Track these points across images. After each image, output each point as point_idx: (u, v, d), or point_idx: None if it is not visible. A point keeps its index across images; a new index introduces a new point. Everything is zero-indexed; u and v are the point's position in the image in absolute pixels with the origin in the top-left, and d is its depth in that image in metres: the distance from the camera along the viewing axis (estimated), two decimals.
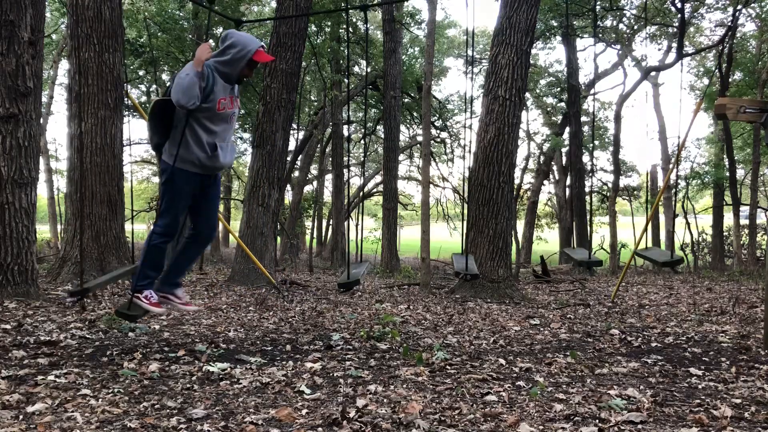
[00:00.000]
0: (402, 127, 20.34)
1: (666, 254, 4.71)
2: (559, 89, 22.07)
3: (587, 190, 17.61)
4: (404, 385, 3.21)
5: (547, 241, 27.63)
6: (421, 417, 2.64)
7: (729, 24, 15.56)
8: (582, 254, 4.93)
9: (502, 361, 3.88)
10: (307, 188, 25.52)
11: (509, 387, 3.24)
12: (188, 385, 3.14)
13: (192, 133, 3.75)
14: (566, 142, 20.91)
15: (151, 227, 3.95)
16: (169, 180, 3.77)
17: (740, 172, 20.43)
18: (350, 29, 17.29)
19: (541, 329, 5.38)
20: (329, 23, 16.77)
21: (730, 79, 16.72)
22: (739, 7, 14.58)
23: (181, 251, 4.10)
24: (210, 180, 3.92)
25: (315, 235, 22.26)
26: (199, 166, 3.78)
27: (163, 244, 3.90)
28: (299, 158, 21.62)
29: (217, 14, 9.39)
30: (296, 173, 21.89)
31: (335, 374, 3.45)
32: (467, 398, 3.00)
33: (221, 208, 22.65)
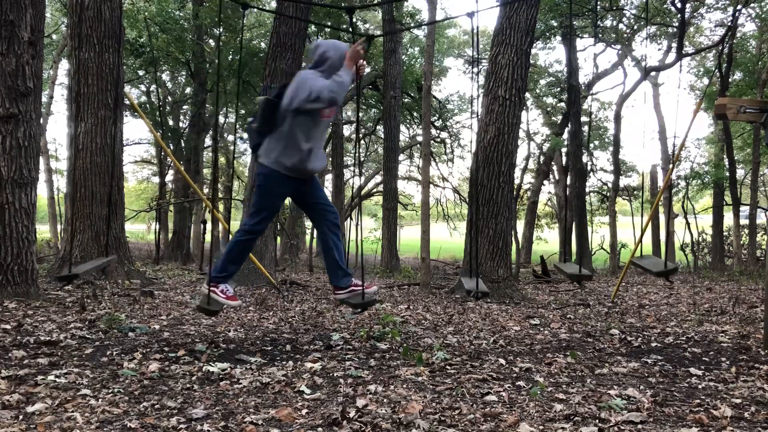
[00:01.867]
0: (402, 127, 20.33)
1: (660, 263, 4.68)
2: (559, 89, 22.05)
3: (587, 190, 17.61)
4: (404, 385, 3.21)
5: (547, 241, 27.61)
6: (421, 417, 2.64)
7: (729, 24, 15.55)
8: (572, 268, 4.92)
9: (502, 361, 3.88)
10: None
11: (509, 387, 3.24)
12: (188, 385, 3.14)
13: (292, 136, 3.84)
14: (566, 142, 20.90)
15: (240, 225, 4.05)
16: (264, 181, 3.89)
17: (740, 172, 20.43)
18: (350, 29, 17.30)
19: (541, 329, 5.38)
20: (329, 23, 16.76)
21: (730, 79, 16.71)
22: (739, 7, 14.58)
23: (325, 249, 4.16)
24: (307, 182, 4.03)
25: (315, 235, 22.23)
26: (293, 170, 3.89)
27: (249, 242, 4.01)
28: None
29: None
30: None
31: (335, 374, 3.45)
32: (467, 398, 3.00)
33: (221, 208, 22.66)
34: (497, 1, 8.55)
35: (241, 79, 15.09)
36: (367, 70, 19.08)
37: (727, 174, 16.69)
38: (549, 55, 77.83)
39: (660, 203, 17.84)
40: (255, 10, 18.94)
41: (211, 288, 3.94)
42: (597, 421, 2.63)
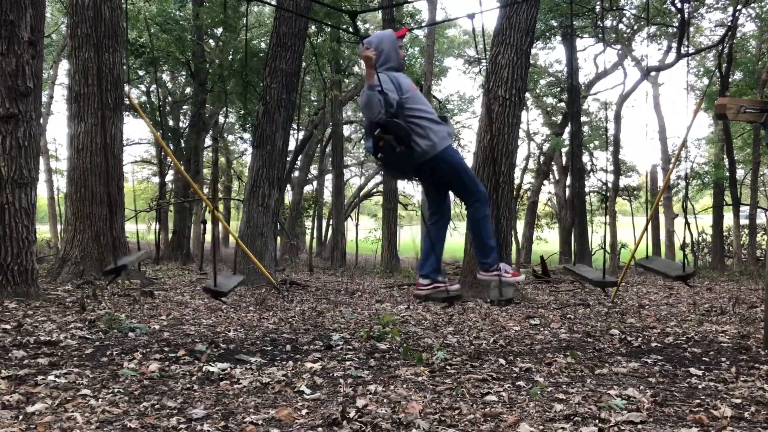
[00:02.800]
0: None
1: (676, 267, 4.50)
2: (559, 89, 22.06)
3: (587, 190, 17.61)
4: (404, 385, 3.21)
5: (547, 241, 27.61)
6: (421, 417, 2.64)
7: (729, 24, 15.55)
8: (593, 273, 4.69)
9: (502, 361, 3.88)
10: (307, 188, 25.53)
11: (509, 387, 3.24)
12: (188, 385, 3.14)
13: (423, 119, 3.86)
14: (566, 142, 20.91)
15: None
16: (450, 162, 3.90)
17: (740, 172, 20.43)
18: (350, 29, 17.29)
19: (541, 329, 5.38)
20: (329, 23, 16.76)
21: (730, 79, 16.71)
22: (739, 7, 14.58)
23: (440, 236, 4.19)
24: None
25: (315, 235, 22.26)
26: (449, 137, 3.93)
27: (488, 211, 4.09)
28: (299, 158, 21.62)
29: None
30: (296, 173, 21.90)
31: (335, 374, 3.45)
32: (467, 398, 3.00)
33: (221, 207, 22.65)
34: (498, 3, 8.54)
35: (241, 78, 15.10)
36: (356, 69, 19.06)
37: (727, 174, 16.69)
38: (549, 55, 77.80)
39: (660, 203, 17.83)
40: (255, 9, 18.95)
41: (495, 273, 3.97)
42: (597, 421, 2.63)
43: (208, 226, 20.69)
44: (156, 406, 2.77)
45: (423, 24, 17.56)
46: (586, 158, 20.74)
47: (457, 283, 4.17)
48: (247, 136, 21.76)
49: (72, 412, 2.63)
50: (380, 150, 3.87)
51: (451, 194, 4.22)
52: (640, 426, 2.58)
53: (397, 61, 4.00)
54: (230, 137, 26.46)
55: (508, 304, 4.26)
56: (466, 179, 3.97)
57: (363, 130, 4.07)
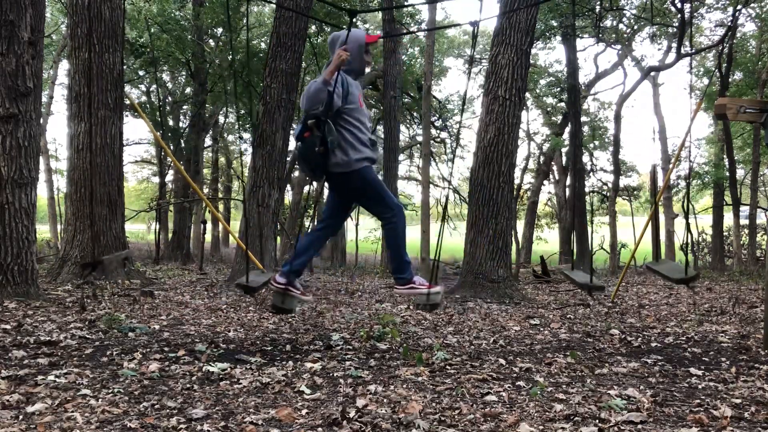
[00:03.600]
0: (402, 127, 20.36)
1: (680, 269, 4.52)
2: (559, 89, 22.06)
3: (587, 189, 17.63)
4: (404, 385, 3.21)
5: (547, 241, 27.61)
6: (421, 417, 2.64)
7: (729, 24, 15.55)
8: (583, 277, 4.77)
9: (502, 361, 3.88)
10: (307, 188, 25.51)
11: (509, 387, 3.24)
12: (188, 385, 3.14)
13: (352, 135, 3.87)
14: (566, 142, 20.91)
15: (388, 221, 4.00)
16: (362, 182, 3.91)
17: (740, 172, 20.43)
18: (350, 29, 17.27)
19: (541, 329, 5.38)
20: (330, 22, 16.75)
21: (730, 79, 16.71)
22: (739, 7, 14.58)
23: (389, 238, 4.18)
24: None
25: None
26: (367, 160, 3.92)
27: (404, 228, 4.06)
28: None
29: None
30: (296, 173, 21.88)
31: (335, 374, 3.45)
32: (467, 398, 3.00)
33: (221, 207, 22.64)
34: (498, 7, 8.54)
35: (242, 78, 15.10)
36: (367, 70, 19.09)
37: (727, 174, 16.69)
38: (549, 55, 77.78)
39: (660, 203, 17.83)
40: (255, 9, 18.95)
41: (411, 285, 4.01)
42: (597, 421, 2.63)
43: (209, 226, 20.69)
44: (156, 406, 2.77)
45: (423, 25, 17.56)
46: (586, 158, 20.72)
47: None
48: (247, 136, 21.76)
49: (72, 412, 2.63)
50: (303, 140, 3.89)
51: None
52: (640, 426, 2.58)
53: (358, 65, 3.97)
54: (230, 137, 26.46)
55: (435, 308, 4.34)
56: (383, 196, 3.98)
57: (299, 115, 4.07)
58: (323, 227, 4.19)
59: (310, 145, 3.84)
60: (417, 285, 3.99)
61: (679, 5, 14.48)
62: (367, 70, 4.33)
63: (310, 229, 4.30)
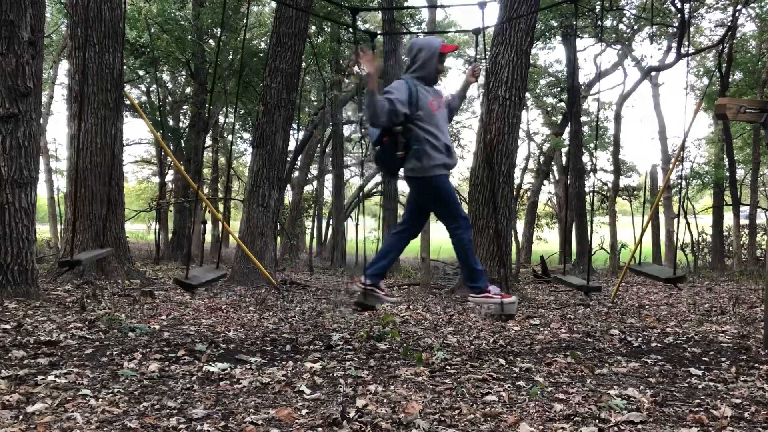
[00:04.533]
0: None
1: (668, 271, 4.56)
2: (559, 89, 22.05)
3: (587, 190, 17.62)
4: (404, 385, 3.21)
5: (547, 241, 27.60)
6: (421, 417, 2.64)
7: (729, 24, 15.55)
8: (578, 280, 4.82)
9: (502, 361, 3.88)
10: (307, 188, 25.52)
11: (509, 387, 3.24)
12: (188, 385, 3.14)
13: (428, 141, 3.89)
14: (566, 142, 20.90)
15: (458, 231, 4.01)
16: (437, 190, 3.95)
17: (740, 172, 20.42)
18: (351, 29, 17.29)
19: (541, 329, 5.38)
20: (329, 24, 16.75)
21: (730, 79, 16.71)
22: (739, 7, 14.57)
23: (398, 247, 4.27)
24: None
25: (315, 235, 22.26)
26: (443, 167, 3.94)
27: (471, 237, 4.09)
28: (299, 158, 21.61)
29: None
30: (296, 173, 21.89)
31: (335, 374, 3.45)
32: (467, 398, 3.00)
33: (221, 207, 22.65)
34: (499, 8, 8.54)
35: (242, 78, 15.09)
36: (356, 69, 19.06)
37: (727, 174, 16.68)
38: (549, 55, 77.77)
39: (660, 203, 17.84)
40: (255, 9, 18.94)
41: (485, 294, 4.02)
42: (597, 421, 2.63)
43: (208, 226, 20.69)
44: (156, 406, 2.77)
45: (423, 25, 17.56)
46: (586, 158, 20.70)
47: (394, 295, 4.27)
48: (247, 136, 21.76)
49: (72, 412, 2.63)
50: (382, 144, 3.92)
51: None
52: (640, 426, 2.58)
53: (430, 72, 3.99)
54: (230, 137, 26.42)
55: (510, 319, 4.35)
56: (451, 206, 4.01)
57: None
58: (403, 230, 4.23)
59: (389, 149, 3.90)
60: (492, 294, 4.00)
61: (679, 5, 14.47)
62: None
63: (392, 232, 4.31)
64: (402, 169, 3.98)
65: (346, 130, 19.82)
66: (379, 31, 14.91)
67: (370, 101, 3.69)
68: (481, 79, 4.01)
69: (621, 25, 18.45)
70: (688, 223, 18.63)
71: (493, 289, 4.02)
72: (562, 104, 21.69)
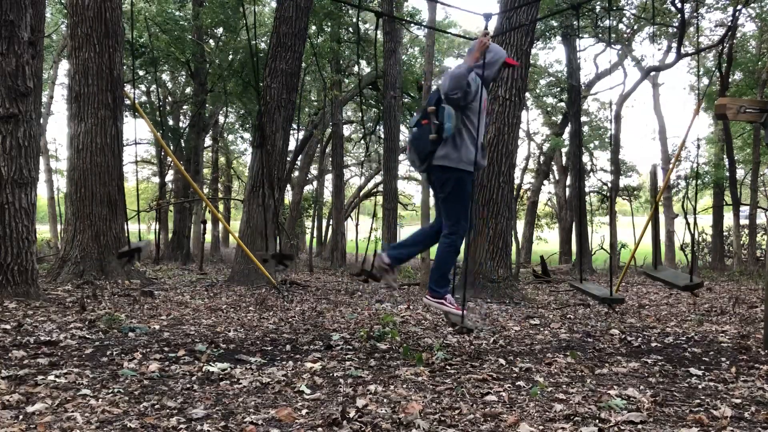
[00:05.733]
0: (402, 127, 20.36)
1: (684, 277, 4.50)
2: (559, 89, 22.06)
3: (587, 190, 17.63)
4: (404, 385, 3.21)
5: (547, 241, 27.62)
6: (421, 417, 2.64)
7: (729, 24, 15.55)
8: (599, 289, 4.69)
9: (502, 361, 3.88)
10: (307, 188, 25.53)
11: (509, 387, 3.23)
12: (188, 385, 3.14)
13: (468, 133, 3.89)
14: (566, 142, 20.91)
15: (447, 236, 3.99)
16: (459, 185, 3.91)
17: (740, 172, 20.43)
18: (351, 29, 17.30)
19: (541, 329, 5.38)
20: (329, 24, 16.76)
21: (730, 79, 16.71)
22: (739, 7, 14.57)
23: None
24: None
25: (315, 235, 22.27)
26: (474, 164, 3.92)
27: (460, 248, 4.06)
28: (299, 158, 21.62)
29: None
30: (296, 173, 21.89)
31: (335, 374, 3.45)
32: (467, 398, 3.00)
33: (221, 207, 22.64)
34: (499, 7, 8.54)
35: (241, 78, 15.10)
36: (367, 69, 19.09)
37: (727, 174, 16.69)
38: (549, 55, 77.73)
39: (660, 203, 17.83)
40: (255, 9, 18.95)
41: (439, 302, 4.00)
42: (597, 421, 2.63)
43: (209, 226, 20.69)
44: (156, 406, 2.77)
45: (424, 24, 17.55)
46: (586, 158, 20.72)
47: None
48: (247, 136, 21.76)
49: (72, 412, 2.63)
50: (420, 126, 3.95)
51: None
52: (640, 426, 2.58)
53: (490, 75, 4.04)
54: (230, 137, 26.47)
55: (470, 332, 4.38)
56: (461, 210, 3.97)
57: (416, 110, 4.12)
58: (434, 227, 4.19)
59: (425, 132, 3.89)
60: (447, 302, 4.00)
61: (679, 5, 14.47)
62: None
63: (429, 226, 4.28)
64: (432, 155, 3.88)
65: (346, 130, 19.83)
66: (378, 33, 14.89)
67: (462, 73, 3.72)
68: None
69: (621, 25, 18.45)
70: (687, 224, 18.64)
71: (449, 298, 4.02)
72: (562, 104, 21.69)
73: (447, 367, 3.68)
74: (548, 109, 24.53)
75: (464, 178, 3.91)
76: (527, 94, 19.50)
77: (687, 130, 5.42)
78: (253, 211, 8.74)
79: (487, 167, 8.18)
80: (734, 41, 16.25)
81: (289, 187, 20.72)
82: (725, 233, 18.18)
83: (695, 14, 16.13)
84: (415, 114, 4.46)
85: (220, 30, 17.18)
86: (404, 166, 28.25)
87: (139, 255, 5.31)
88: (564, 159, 23.28)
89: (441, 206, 4.12)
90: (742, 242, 17.37)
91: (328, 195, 26.97)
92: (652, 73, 19.88)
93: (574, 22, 14.94)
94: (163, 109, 19.46)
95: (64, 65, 20.29)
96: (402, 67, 16.17)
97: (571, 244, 19.98)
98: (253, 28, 7.26)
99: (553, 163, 24.26)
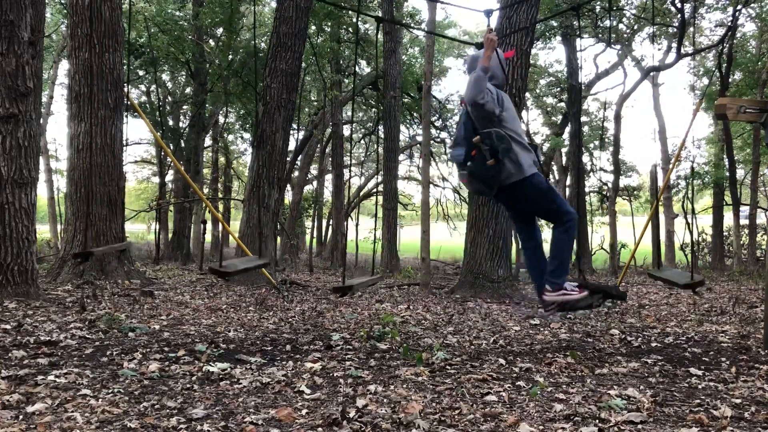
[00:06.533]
0: (402, 127, 20.38)
1: (685, 276, 4.50)
2: (559, 89, 22.05)
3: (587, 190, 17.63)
4: (404, 385, 3.21)
5: (547, 241, 27.54)
6: (421, 417, 2.64)
7: (729, 24, 15.55)
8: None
9: (502, 361, 3.88)
10: (307, 188, 25.53)
11: (509, 387, 3.23)
12: (188, 385, 3.14)
13: (515, 142, 3.88)
14: (566, 142, 20.90)
15: (563, 227, 3.99)
16: (536, 190, 3.91)
17: (740, 172, 20.42)
18: (351, 30, 17.29)
19: (541, 329, 5.38)
20: (329, 24, 16.76)
21: (730, 79, 16.71)
22: (739, 7, 14.57)
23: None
24: None
25: (315, 235, 22.27)
26: (535, 165, 3.96)
27: (574, 235, 4.08)
28: (299, 158, 21.62)
29: None
30: (296, 173, 21.89)
31: (335, 374, 3.45)
32: (467, 398, 3.00)
33: (221, 207, 22.63)
34: (499, 17, 8.54)
35: (241, 78, 15.10)
36: (367, 70, 19.09)
37: (727, 174, 16.69)
38: (549, 55, 77.75)
39: (660, 203, 17.83)
40: (255, 9, 18.94)
41: (562, 292, 3.98)
42: (597, 421, 2.63)
43: (209, 226, 20.70)
44: (156, 406, 2.77)
45: (422, 25, 17.55)
46: (586, 158, 20.71)
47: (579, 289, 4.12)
48: (247, 136, 21.77)
49: (72, 412, 2.63)
50: (471, 159, 3.89)
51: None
52: (640, 426, 2.58)
53: (501, 78, 4.04)
54: (230, 137, 26.47)
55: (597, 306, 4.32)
56: (556, 203, 3.97)
57: (451, 139, 4.12)
58: (527, 247, 4.21)
59: (480, 162, 3.85)
60: (568, 291, 3.97)
61: (679, 5, 14.47)
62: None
63: (522, 250, 4.32)
64: (499, 178, 3.84)
65: (346, 130, 19.83)
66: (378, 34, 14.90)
67: (479, 76, 3.73)
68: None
69: (621, 26, 18.45)
70: (687, 223, 18.64)
71: (568, 286, 3.99)
72: (562, 104, 21.69)
73: (447, 367, 3.68)
74: (548, 109, 24.52)
75: (536, 181, 3.91)
76: (527, 94, 19.50)
77: (687, 130, 5.41)
78: (253, 211, 8.74)
79: None
80: (734, 41, 16.24)
81: (289, 187, 20.72)
82: (725, 233, 18.17)
83: (695, 14, 16.14)
84: (449, 150, 4.40)
85: (220, 30, 17.17)
86: (404, 166, 28.25)
87: (92, 258, 5.29)
88: (564, 159, 23.26)
89: (537, 213, 4.14)
90: (742, 242, 17.37)
91: (328, 195, 26.96)
92: (652, 73, 19.87)
93: (574, 23, 14.94)
94: (163, 109, 19.45)
95: (64, 65, 20.29)
96: (402, 67, 16.18)
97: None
98: (252, 28, 7.25)
99: (553, 163, 24.24)
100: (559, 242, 3.99)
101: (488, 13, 4.30)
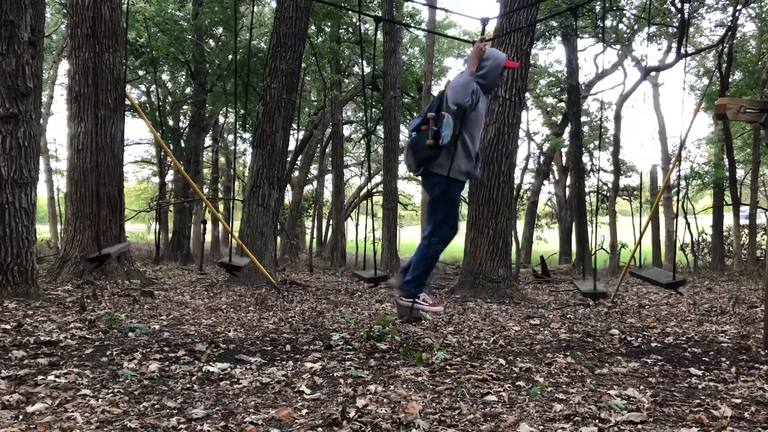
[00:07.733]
0: (402, 127, 20.39)
1: (667, 275, 4.57)
2: (559, 89, 22.06)
3: (587, 190, 17.64)
4: (404, 385, 3.21)
5: (547, 241, 27.61)
6: (421, 417, 2.64)
7: (729, 24, 15.55)
8: (586, 286, 4.89)
9: (502, 361, 3.88)
10: (307, 188, 25.53)
11: (509, 387, 3.23)
12: (188, 385, 3.14)
13: (463, 144, 3.93)
14: (566, 142, 20.92)
15: (425, 239, 4.08)
16: (445, 192, 3.97)
17: (740, 172, 20.43)
18: (351, 29, 17.29)
19: (541, 329, 5.38)
20: (329, 24, 16.76)
21: (730, 79, 16.71)
22: (739, 7, 14.57)
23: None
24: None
25: (315, 235, 22.27)
26: (466, 175, 3.98)
27: (440, 253, 4.11)
28: (299, 158, 21.62)
29: None
30: (296, 173, 21.89)
31: (335, 374, 3.45)
32: (467, 398, 3.00)
33: (221, 207, 22.63)
34: (499, 7, 8.54)
35: (241, 78, 15.09)
36: (367, 70, 19.08)
37: (727, 174, 16.69)
38: (549, 55, 77.75)
39: (660, 203, 17.83)
40: (255, 9, 18.93)
41: (415, 301, 4.07)
42: (597, 421, 2.63)
43: (209, 226, 20.70)
44: (156, 406, 2.77)
45: (422, 25, 17.56)
46: (586, 158, 20.71)
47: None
48: (247, 136, 21.76)
49: (72, 412, 2.63)
50: (419, 131, 3.98)
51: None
52: (640, 426, 2.58)
53: (491, 82, 4.06)
54: (230, 137, 26.46)
55: (418, 322, 4.48)
56: (449, 218, 4.02)
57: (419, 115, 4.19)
58: (423, 234, 4.24)
59: (423, 137, 3.93)
60: (420, 300, 4.05)
61: (679, 5, 14.47)
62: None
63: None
64: (427, 160, 3.94)
65: (346, 130, 19.83)
66: (378, 34, 14.89)
67: (468, 80, 3.80)
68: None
69: (621, 26, 18.45)
70: (687, 223, 18.64)
71: (422, 296, 4.09)
72: (562, 104, 21.70)
73: (447, 367, 3.68)
74: (548, 109, 24.54)
75: (452, 187, 3.96)
76: (527, 94, 19.50)
77: (687, 130, 5.42)
78: (253, 211, 8.75)
79: (486, 167, 8.19)
80: (734, 41, 16.24)
81: (289, 187, 20.72)
82: (725, 233, 18.18)
83: (694, 14, 16.13)
84: (416, 116, 4.53)
85: (220, 30, 17.18)
86: (404, 166, 28.27)
87: (109, 261, 5.31)
88: (564, 159, 23.27)
89: (429, 208, 4.17)
90: (742, 242, 17.38)
91: (328, 195, 26.97)
92: (652, 73, 19.88)
93: (574, 23, 14.94)
94: (163, 109, 19.46)
95: (64, 65, 20.29)
96: (402, 67, 16.18)
97: (571, 244, 19.96)
98: (249, 29, 7.23)
99: (553, 163, 24.26)
100: (422, 249, 4.06)
101: (484, 21, 4.31)
